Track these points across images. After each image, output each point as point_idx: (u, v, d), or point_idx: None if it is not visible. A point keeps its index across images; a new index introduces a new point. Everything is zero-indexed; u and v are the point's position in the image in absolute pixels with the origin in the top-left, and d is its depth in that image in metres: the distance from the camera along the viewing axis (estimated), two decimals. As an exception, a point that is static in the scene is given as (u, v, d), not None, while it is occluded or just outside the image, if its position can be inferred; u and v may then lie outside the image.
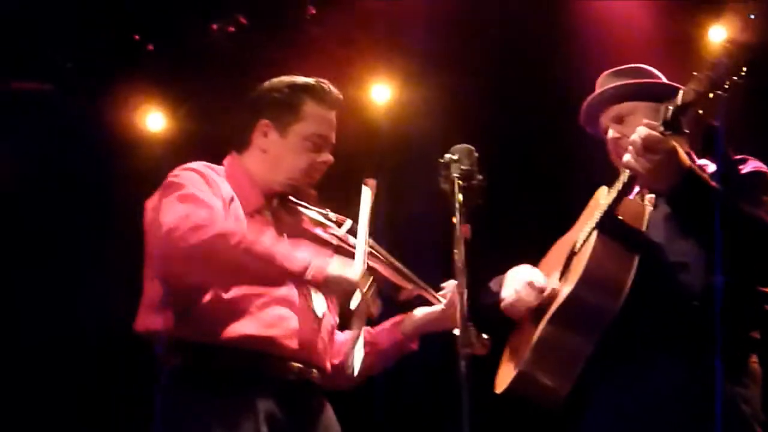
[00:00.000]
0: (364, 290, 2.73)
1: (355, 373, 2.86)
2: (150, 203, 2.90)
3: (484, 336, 2.83)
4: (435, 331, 3.14)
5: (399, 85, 5.59)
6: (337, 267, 2.77)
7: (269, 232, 2.84)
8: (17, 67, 5.27)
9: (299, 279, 2.77)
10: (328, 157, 3.04)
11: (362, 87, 5.56)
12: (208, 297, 2.78)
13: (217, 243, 2.69)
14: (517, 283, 3.02)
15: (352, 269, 2.78)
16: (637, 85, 3.02)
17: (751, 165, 2.94)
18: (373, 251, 3.07)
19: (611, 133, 3.00)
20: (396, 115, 5.60)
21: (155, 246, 2.83)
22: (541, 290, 2.96)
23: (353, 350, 2.83)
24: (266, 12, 5.39)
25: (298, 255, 2.75)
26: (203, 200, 2.81)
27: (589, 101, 3.10)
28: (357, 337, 2.84)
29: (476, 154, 2.57)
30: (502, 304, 3.03)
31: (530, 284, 2.98)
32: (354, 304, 2.73)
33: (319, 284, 2.78)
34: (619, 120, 3.00)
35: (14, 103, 5.31)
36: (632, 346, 2.78)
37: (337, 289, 2.78)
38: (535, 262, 3.14)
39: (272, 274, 2.76)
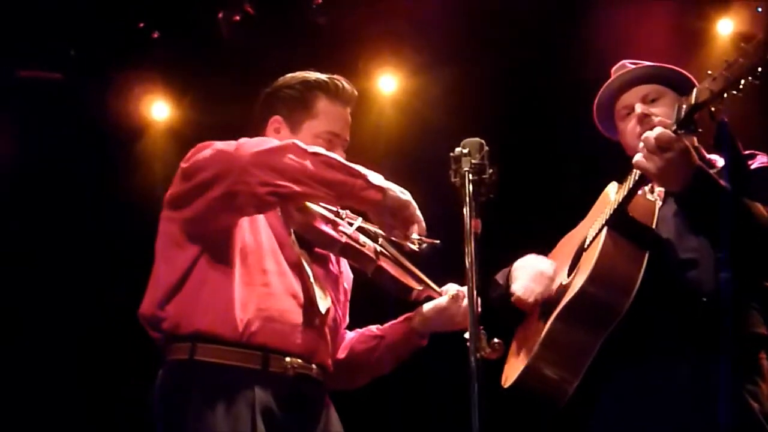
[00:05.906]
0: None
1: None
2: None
3: (496, 340, 2.81)
4: (445, 329, 3.11)
5: (407, 76, 5.56)
6: (397, 188, 2.75)
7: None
8: (23, 55, 5.25)
9: (373, 194, 2.69)
10: (341, 154, 2.98)
11: (369, 77, 5.52)
12: (212, 285, 2.75)
13: (292, 147, 2.67)
14: (527, 274, 3.03)
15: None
16: (672, 71, 3.02)
17: (759, 160, 2.94)
18: (384, 251, 3.06)
19: (639, 108, 2.98)
20: (404, 107, 5.58)
21: (219, 164, 2.69)
22: (552, 279, 2.96)
23: None
24: (272, 1, 5.37)
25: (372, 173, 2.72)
26: None
27: (620, 76, 3.06)
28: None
29: (486, 148, 2.54)
30: (513, 297, 3.03)
31: (541, 273, 3.00)
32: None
33: (391, 200, 2.72)
34: (649, 100, 2.99)
35: (21, 91, 5.29)
36: (641, 343, 2.78)
37: (397, 207, 2.74)
38: (543, 256, 3.13)
39: (349, 184, 2.68)
